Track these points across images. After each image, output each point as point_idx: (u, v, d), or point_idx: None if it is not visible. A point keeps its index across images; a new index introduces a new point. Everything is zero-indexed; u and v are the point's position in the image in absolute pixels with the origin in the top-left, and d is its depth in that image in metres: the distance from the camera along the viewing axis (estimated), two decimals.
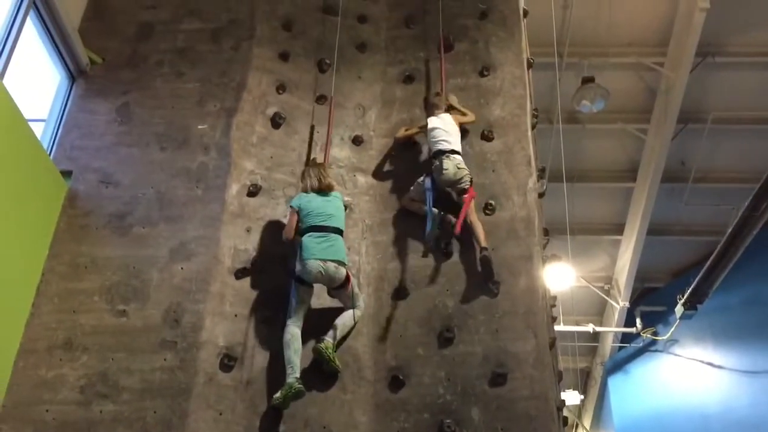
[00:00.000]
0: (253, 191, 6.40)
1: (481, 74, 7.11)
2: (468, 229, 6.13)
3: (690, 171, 13.67)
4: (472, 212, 6.19)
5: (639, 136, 13.38)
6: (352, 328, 5.91)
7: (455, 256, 6.24)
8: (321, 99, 7.01)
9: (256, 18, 7.29)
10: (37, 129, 6.84)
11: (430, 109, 6.68)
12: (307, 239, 5.80)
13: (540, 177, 7.04)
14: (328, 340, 5.69)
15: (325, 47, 7.23)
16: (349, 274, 5.89)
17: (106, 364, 5.60)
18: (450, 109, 6.72)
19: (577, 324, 15.77)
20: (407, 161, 6.83)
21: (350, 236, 6.42)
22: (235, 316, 5.88)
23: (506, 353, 5.77)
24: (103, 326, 5.79)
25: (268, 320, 5.86)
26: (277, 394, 5.45)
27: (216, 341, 5.69)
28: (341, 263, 5.78)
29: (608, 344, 16.52)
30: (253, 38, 7.16)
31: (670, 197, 14.04)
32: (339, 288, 5.87)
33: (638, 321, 15.30)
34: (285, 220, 6.12)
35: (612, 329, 15.93)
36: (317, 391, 5.69)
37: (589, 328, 15.37)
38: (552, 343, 6.12)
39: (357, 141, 6.92)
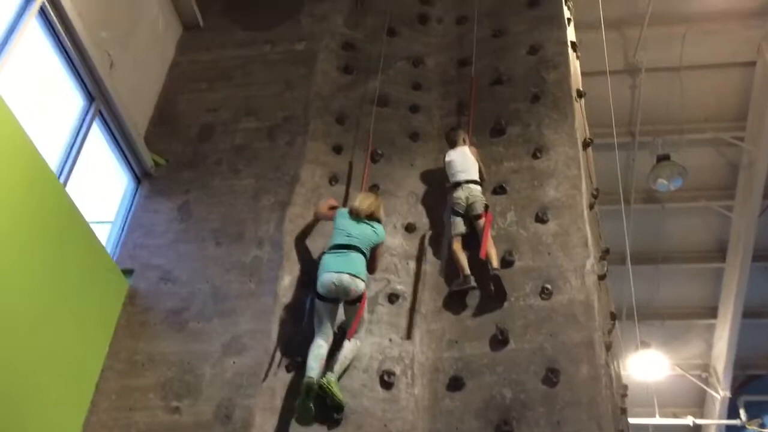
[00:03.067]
0: (305, 282, 6.39)
1: (534, 156, 6.98)
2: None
3: None
4: (486, 245, 6.26)
5: (724, 214, 12.80)
6: (352, 360, 5.90)
7: (511, 344, 5.98)
8: (373, 188, 7.04)
9: (310, 114, 7.50)
10: (106, 230, 7.17)
11: (451, 145, 7.00)
12: (326, 256, 6.04)
13: (602, 258, 6.75)
14: (329, 376, 5.67)
15: (377, 138, 7.30)
16: (365, 293, 5.94)
17: None
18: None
19: (676, 416, 14.78)
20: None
21: (402, 325, 6.29)
22: (287, 411, 5.77)
23: None
24: (156, 423, 5.80)
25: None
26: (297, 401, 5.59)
27: None
28: (357, 276, 5.86)
29: None
30: (307, 133, 7.34)
31: (764, 277, 13.24)
32: (353, 303, 5.89)
33: (742, 412, 14.22)
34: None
35: (714, 422, 14.84)
36: None
37: (689, 420, 14.33)
38: None
39: (410, 228, 6.85)
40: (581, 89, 7.86)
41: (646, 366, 13.75)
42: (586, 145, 7.38)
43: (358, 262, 5.99)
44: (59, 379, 5.76)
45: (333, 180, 7.07)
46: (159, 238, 6.95)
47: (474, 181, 6.63)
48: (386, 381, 5.97)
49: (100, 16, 7.01)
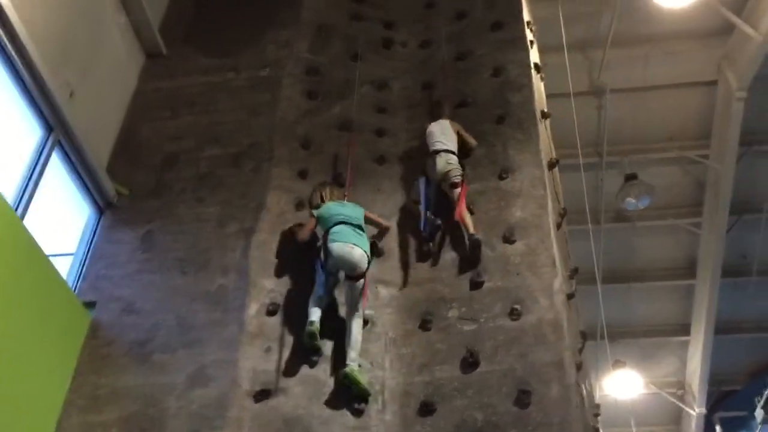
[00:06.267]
0: (272, 310, 6.30)
1: (500, 177, 6.97)
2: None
3: (752, 264, 13.03)
4: (462, 208, 6.49)
5: (693, 231, 12.91)
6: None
7: (482, 366, 5.91)
8: None
9: (275, 140, 7.44)
10: (67, 262, 7.01)
11: (433, 118, 7.30)
12: (336, 227, 6.15)
13: (570, 277, 6.73)
14: (351, 365, 5.75)
15: (342, 162, 7.27)
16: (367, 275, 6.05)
17: None
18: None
19: None
20: (429, 270, 6.64)
21: (373, 350, 6.20)
22: None
23: None
24: None
25: None
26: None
27: None
28: (366, 254, 6.06)
29: None
30: (272, 159, 7.28)
31: (734, 292, 13.37)
32: (356, 279, 5.99)
33: (718, 428, 14.24)
34: None
35: None
36: None
37: None
38: None
39: (378, 253, 6.79)
40: (546, 110, 7.90)
41: (622, 385, 13.75)
42: (552, 165, 7.40)
43: (366, 239, 6.23)
44: (19, 417, 5.57)
45: (299, 206, 6.99)
46: (122, 268, 6.82)
47: (452, 152, 6.81)
48: (357, 408, 5.86)
49: (58, 45, 6.92)
